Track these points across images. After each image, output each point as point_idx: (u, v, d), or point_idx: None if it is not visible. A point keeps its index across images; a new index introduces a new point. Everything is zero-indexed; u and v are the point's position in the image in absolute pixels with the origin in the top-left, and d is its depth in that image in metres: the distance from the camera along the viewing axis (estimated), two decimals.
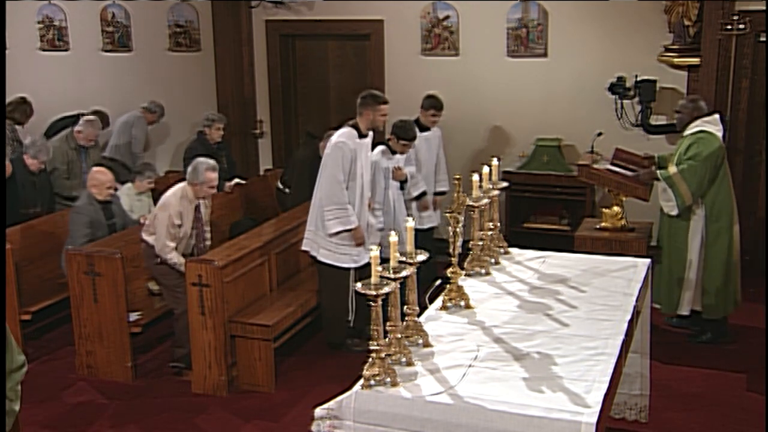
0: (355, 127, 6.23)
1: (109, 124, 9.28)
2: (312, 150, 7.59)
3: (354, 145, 6.15)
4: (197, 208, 6.19)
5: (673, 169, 6.23)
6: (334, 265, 6.24)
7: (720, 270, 6.30)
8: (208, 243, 6.38)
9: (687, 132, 6.32)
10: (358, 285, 3.35)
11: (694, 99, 6.51)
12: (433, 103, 7.52)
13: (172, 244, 5.99)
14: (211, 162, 6.15)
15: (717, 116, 6.39)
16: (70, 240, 6.53)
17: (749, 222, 7.83)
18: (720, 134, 6.29)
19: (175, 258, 6.00)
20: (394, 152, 6.83)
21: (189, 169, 6.14)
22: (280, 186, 7.91)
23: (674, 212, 6.25)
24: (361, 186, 6.27)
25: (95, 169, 6.79)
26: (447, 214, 4.13)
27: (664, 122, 7.80)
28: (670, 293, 6.39)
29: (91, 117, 8.54)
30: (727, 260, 6.30)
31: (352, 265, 6.27)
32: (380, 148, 6.80)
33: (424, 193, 7.27)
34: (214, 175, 6.10)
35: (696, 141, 6.21)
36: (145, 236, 6.08)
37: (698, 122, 6.27)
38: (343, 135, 6.19)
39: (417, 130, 6.99)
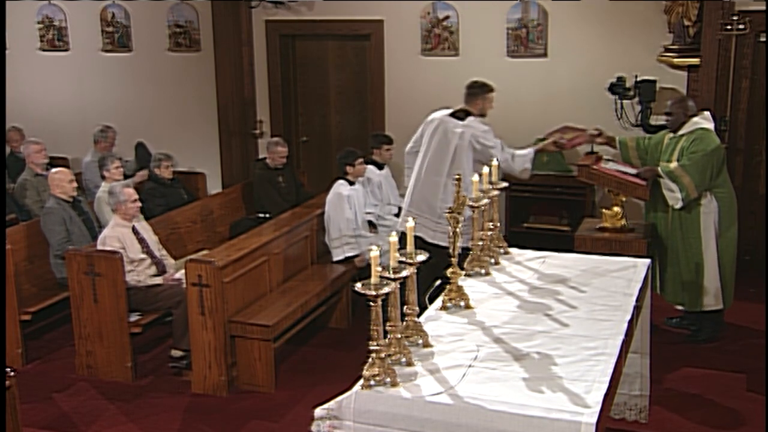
0: (454, 116, 6.52)
1: None
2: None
3: None
4: (136, 231, 6.35)
5: (674, 164, 6.24)
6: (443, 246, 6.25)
7: (725, 264, 6.31)
8: (166, 261, 6.53)
9: (684, 130, 6.31)
10: (358, 285, 3.35)
11: (683, 99, 6.54)
12: (383, 140, 7.89)
13: (127, 268, 6.15)
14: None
15: (708, 114, 6.42)
16: (50, 242, 6.73)
17: (749, 222, 7.84)
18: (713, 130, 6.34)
19: (130, 279, 6.15)
20: (351, 183, 7.19)
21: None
22: (261, 215, 7.88)
23: (679, 205, 6.24)
24: None
25: (52, 171, 7.00)
26: (447, 214, 4.13)
27: (663, 122, 7.79)
28: (691, 289, 6.36)
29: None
30: (732, 255, 6.33)
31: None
32: (339, 182, 7.16)
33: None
34: (131, 190, 6.39)
35: (698, 137, 6.23)
36: None
37: (696, 119, 6.29)
38: (475, 121, 6.46)
39: (376, 168, 7.54)
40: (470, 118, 6.49)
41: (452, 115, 6.55)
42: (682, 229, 6.36)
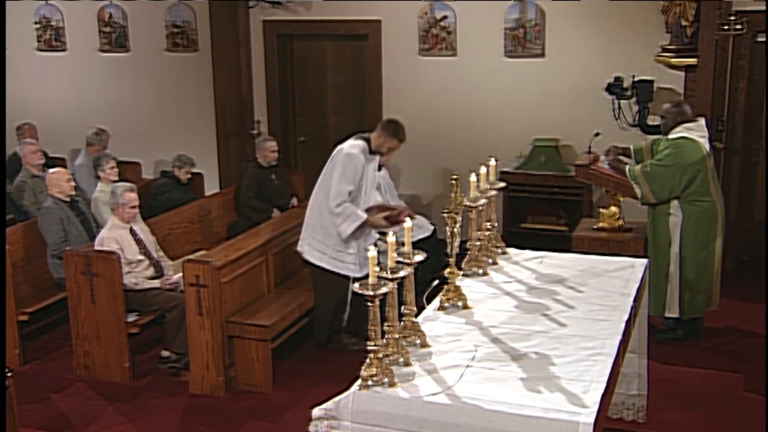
0: (368, 142, 6.20)
1: None
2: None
3: (365, 159, 6.13)
4: (134, 233, 6.34)
5: (638, 167, 6.28)
6: (332, 271, 6.22)
7: (694, 271, 6.26)
8: (164, 263, 6.52)
9: (671, 135, 6.26)
10: (356, 285, 3.35)
11: (679, 103, 6.47)
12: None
13: (124, 270, 6.13)
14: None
15: (702, 121, 6.34)
16: (48, 242, 6.71)
17: (746, 222, 7.86)
18: (704, 140, 6.23)
19: (127, 281, 6.12)
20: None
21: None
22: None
23: (639, 202, 6.34)
24: (365, 201, 6.23)
25: (50, 171, 7.00)
26: (444, 215, 4.13)
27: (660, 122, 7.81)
28: (656, 295, 6.34)
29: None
30: (705, 263, 6.27)
31: (351, 275, 6.20)
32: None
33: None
34: (134, 195, 6.35)
35: (672, 146, 6.18)
36: None
37: (681, 128, 6.23)
38: (355, 147, 6.14)
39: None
40: (355, 142, 6.18)
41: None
42: (654, 234, 6.36)
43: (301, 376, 6.20)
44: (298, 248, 6.35)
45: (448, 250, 4.18)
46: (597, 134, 7.19)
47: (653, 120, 7.75)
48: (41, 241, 6.76)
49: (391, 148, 6.20)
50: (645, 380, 5.06)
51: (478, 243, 4.70)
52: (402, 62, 8.72)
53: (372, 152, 6.18)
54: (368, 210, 6.17)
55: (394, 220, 6.01)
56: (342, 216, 6.04)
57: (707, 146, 6.25)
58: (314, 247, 6.22)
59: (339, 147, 6.26)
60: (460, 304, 4.21)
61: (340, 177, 6.04)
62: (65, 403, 5.88)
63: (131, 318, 6.19)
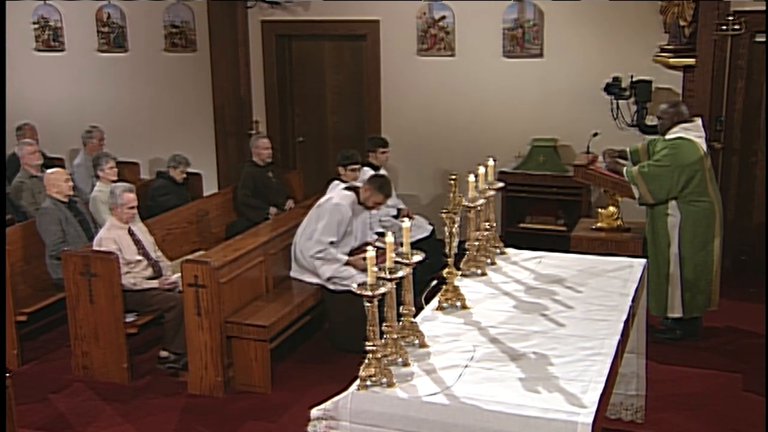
0: (357, 193, 6.45)
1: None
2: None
3: (352, 212, 6.41)
4: (132, 233, 6.36)
5: (636, 168, 6.28)
6: (341, 290, 6.30)
7: (693, 271, 6.26)
8: (162, 263, 6.53)
9: (668, 136, 6.27)
10: (354, 285, 3.35)
11: (676, 104, 6.47)
12: (378, 143, 7.77)
13: (123, 270, 6.14)
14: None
15: (699, 121, 6.34)
16: (46, 243, 6.70)
17: (745, 222, 7.86)
18: (701, 140, 6.23)
19: (126, 281, 6.12)
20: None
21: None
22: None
23: (637, 203, 6.36)
24: (351, 245, 6.52)
25: (48, 171, 7.00)
26: (443, 215, 4.13)
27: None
28: (657, 295, 6.34)
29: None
30: (704, 263, 6.26)
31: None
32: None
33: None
34: (132, 196, 6.38)
35: (670, 146, 6.18)
36: None
37: (678, 128, 6.23)
38: (345, 198, 6.42)
39: (372, 171, 7.31)
40: (345, 193, 6.46)
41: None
42: (653, 235, 6.36)
43: (299, 376, 6.20)
44: (310, 280, 6.54)
45: (447, 251, 4.18)
46: (595, 134, 7.19)
47: (652, 120, 7.74)
48: (40, 242, 6.75)
49: (377, 203, 6.49)
50: (643, 380, 5.06)
51: (476, 243, 4.70)
52: (400, 62, 8.72)
53: (360, 203, 6.46)
54: (357, 249, 6.47)
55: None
56: (322, 260, 6.38)
57: (704, 146, 6.26)
58: (319, 275, 6.45)
59: (329, 196, 6.56)
60: (458, 304, 4.20)
61: (323, 228, 6.36)
62: (64, 404, 5.88)
63: (130, 318, 6.18)
